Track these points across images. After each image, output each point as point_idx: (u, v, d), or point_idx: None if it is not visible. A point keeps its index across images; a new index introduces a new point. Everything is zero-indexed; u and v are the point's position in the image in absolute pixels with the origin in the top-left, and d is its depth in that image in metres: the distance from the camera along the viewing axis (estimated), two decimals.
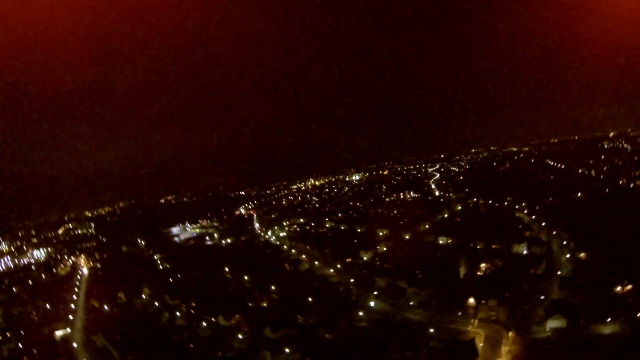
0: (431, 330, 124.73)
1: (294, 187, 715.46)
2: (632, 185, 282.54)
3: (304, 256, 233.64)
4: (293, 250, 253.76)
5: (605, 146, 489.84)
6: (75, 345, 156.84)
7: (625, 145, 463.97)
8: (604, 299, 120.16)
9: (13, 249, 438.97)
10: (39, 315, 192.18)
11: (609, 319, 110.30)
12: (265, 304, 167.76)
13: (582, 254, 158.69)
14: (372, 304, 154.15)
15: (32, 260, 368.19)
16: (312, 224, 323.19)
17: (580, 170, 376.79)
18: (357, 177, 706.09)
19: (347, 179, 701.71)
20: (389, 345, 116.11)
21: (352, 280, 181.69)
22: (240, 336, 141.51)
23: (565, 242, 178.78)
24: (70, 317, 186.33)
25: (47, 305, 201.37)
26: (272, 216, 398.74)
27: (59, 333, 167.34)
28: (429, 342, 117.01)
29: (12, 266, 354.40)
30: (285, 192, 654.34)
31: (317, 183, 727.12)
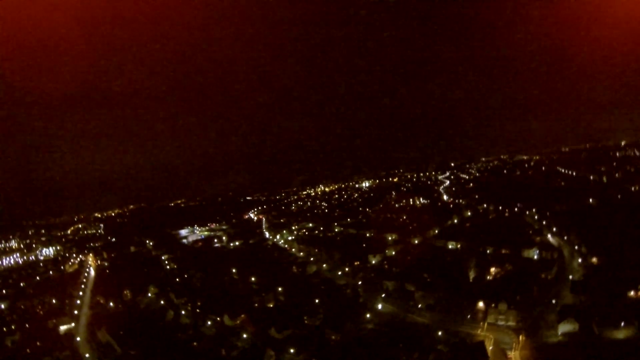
0: (439, 333, 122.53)
1: (304, 192, 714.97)
2: None
3: (312, 259, 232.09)
4: (301, 253, 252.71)
5: (618, 154, 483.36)
6: (78, 339, 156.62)
7: (637, 154, 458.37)
8: (616, 303, 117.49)
9: (22, 246, 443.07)
10: (44, 310, 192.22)
11: (622, 324, 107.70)
12: (271, 305, 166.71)
13: (594, 259, 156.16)
14: (379, 306, 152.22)
15: (41, 257, 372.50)
16: (321, 228, 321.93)
17: (591, 178, 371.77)
18: (367, 184, 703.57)
19: (357, 186, 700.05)
20: (396, 348, 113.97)
21: (360, 282, 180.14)
22: (245, 336, 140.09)
23: (576, 247, 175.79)
24: (75, 312, 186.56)
25: (53, 300, 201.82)
26: (281, 220, 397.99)
27: (63, 327, 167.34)
28: (436, 346, 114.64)
29: (21, 262, 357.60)
30: (295, 197, 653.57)
31: (326, 189, 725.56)
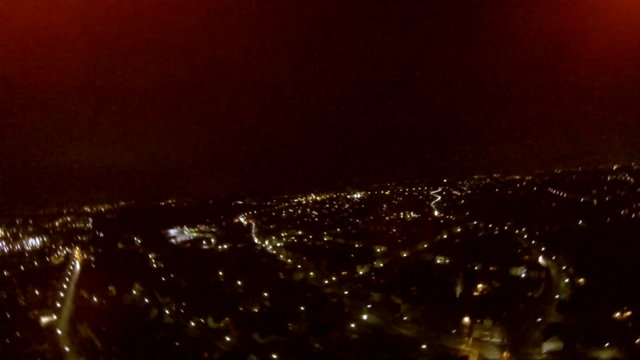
0: (423, 346, 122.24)
1: (295, 200, 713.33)
2: (633, 215, 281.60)
3: (299, 266, 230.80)
4: (289, 260, 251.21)
5: (609, 178, 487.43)
6: (59, 332, 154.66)
7: (628, 178, 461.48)
8: (602, 323, 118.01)
9: (8, 235, 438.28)
10: (26, 300, 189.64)
11: (606, 344, 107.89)
12: (256, 309, 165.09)
13: (581, 280, 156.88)
14: (364, 317, 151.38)
15: (27, 248, 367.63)
16: (310, 237, 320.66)
17: (582, 200, 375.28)
18: (359, 195, 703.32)
19: (348, 197, 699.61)
20: (380, 359, 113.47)
21: (346, 292, 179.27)
22: (228, 339, 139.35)
23: (564, 267, 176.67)
24: (58, 305, 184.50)
25: (36, 291, 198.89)
26: (271, 226, 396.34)
27: (44, 319, 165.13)
28: (420, 359, 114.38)
29: (6, 251, 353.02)
30: (286, 204, 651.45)
31: (318, 198, 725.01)
